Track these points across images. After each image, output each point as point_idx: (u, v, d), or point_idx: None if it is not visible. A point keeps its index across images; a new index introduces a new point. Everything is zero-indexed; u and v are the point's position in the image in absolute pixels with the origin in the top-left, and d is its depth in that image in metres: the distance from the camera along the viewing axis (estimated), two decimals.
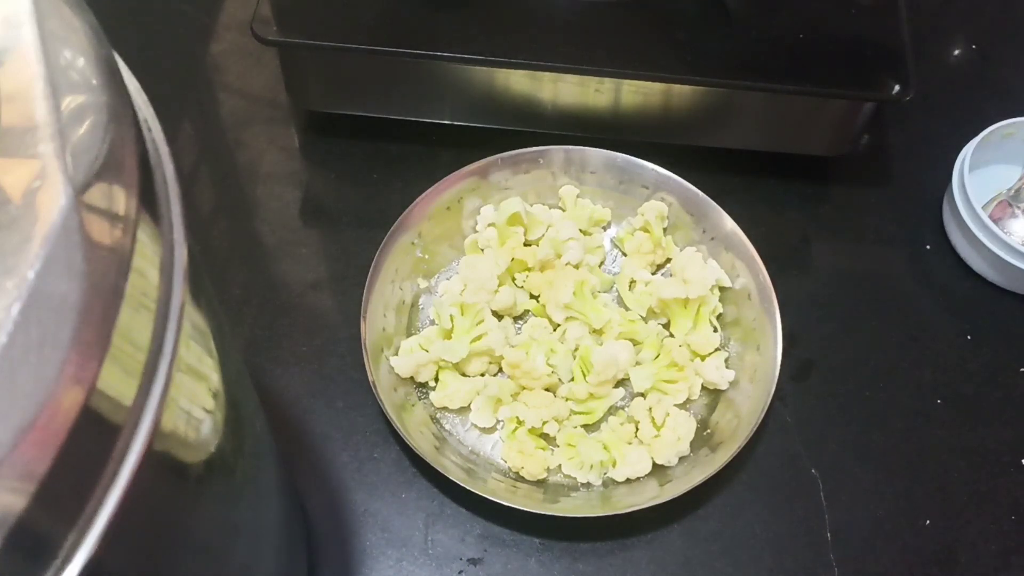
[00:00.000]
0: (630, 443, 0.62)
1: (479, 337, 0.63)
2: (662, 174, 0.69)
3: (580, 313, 0.64)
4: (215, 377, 0.33)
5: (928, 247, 0.73)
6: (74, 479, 0.22)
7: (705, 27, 0.67)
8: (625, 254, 0.70)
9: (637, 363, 0.64)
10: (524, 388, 0.63)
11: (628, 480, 0.60)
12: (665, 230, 0.70)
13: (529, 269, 0.67)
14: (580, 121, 0.71)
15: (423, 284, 0.68)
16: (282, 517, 0.51)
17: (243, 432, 0.39)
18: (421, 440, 0.59)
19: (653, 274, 0.69)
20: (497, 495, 0.57)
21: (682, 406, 0.63)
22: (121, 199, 0.24)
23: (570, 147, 0.70)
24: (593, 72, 0.66)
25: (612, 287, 0.69)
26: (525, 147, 0.69)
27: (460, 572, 0.59)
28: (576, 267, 0.67)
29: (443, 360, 0.62)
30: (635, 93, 0.69)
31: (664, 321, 0.67)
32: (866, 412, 0.65)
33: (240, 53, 0.81)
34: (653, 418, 0.61)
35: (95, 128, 0.24)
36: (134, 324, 0.24)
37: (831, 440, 0.64)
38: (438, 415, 0.63)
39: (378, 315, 0.63)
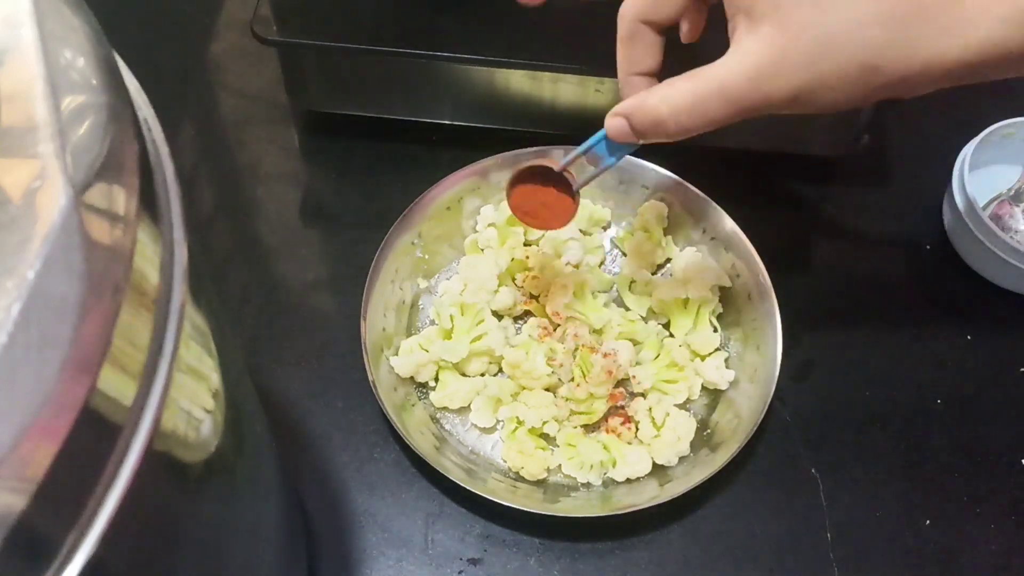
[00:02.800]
0: (630, 443, 0.62)
1: (479, 337, 0.63)
2: (662, 174, 0.69)
3: (580, 313, 0.64)
4: (215, 377, 0.33)
5: (928, 247, 0.73)
6: (74, 479, 0.22)
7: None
8: (625, 254, 0.70)
9: (637, 363, 0.64)
10: (524, 388, 0.63)
11: (628, 480, 0.60)
12: (665, 230, 0.70)
13: (529, 269, 0.67)
14: (580, 121, 0.71)
15: (423, 284, 0.68)
16: (282, 517, 0.51)
17: (243, 432, 0.39)
18: (421, 440, 0.59)
19: (653, 274, 0.69)
20: (497, 495, 0.57)
21: (682, 406, 0.63)
22: (121, 199, 0.24)
23: (570, 147, 0.69)
24: (593, 72, 0.66)
25: (612, 287, 0.69)
26: (525, 147, 0.69)
27: (460, 572, 0.59)
28: (576, 267, 0.67)
29: (443, 360, 0.62)
30: None
31: (664, 321, 0.67)
32: (866, 412, 0.65)
33: (240, 53, 0.81)
34: (653, 418, 0.61)
35: (95, 128, 0.24)
36: (134, 324, 0.24)
37: (831, 440, 0.64)
38: (438, 415, 0.63)
39: (378, 315, 0.63)
